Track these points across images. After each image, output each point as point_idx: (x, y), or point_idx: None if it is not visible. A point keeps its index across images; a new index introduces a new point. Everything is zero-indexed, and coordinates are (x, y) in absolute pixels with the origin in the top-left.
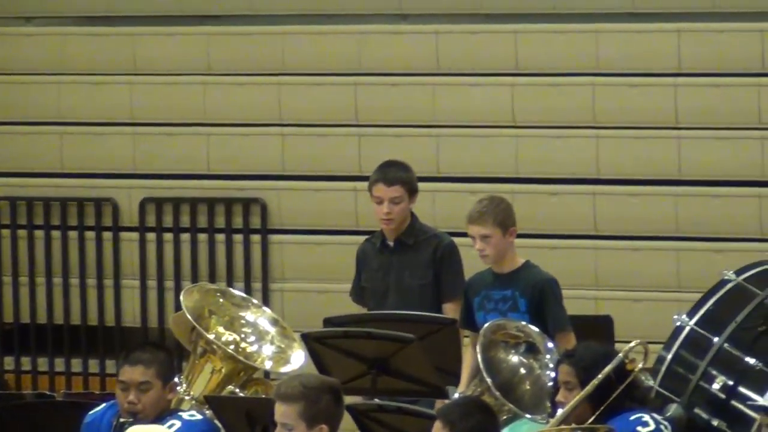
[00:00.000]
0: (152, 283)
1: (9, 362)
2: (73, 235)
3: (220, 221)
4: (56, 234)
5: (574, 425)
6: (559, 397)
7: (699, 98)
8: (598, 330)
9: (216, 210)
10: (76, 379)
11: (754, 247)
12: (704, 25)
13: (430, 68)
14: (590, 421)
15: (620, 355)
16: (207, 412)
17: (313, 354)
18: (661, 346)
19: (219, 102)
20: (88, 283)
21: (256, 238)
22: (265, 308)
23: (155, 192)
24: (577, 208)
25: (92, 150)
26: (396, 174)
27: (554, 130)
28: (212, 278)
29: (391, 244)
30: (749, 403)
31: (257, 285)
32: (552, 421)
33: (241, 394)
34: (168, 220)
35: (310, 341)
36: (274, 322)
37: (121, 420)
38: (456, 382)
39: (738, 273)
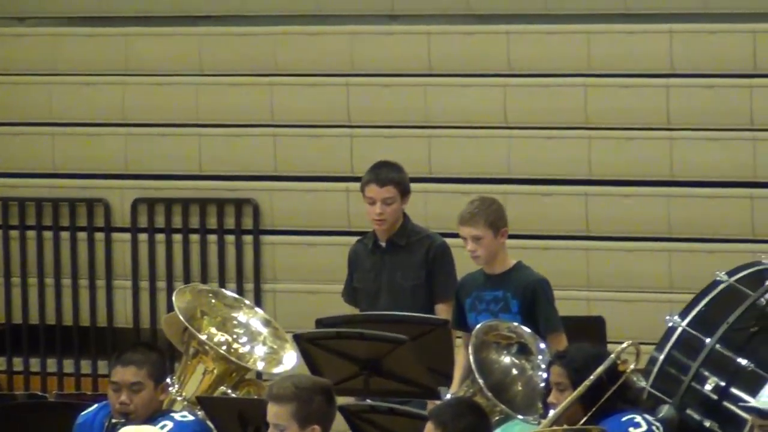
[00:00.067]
0: (144, 284)
1: (1, 363)
2: (65, 235)
3: (212, 222)
4: (48, 234)
5: (566, 426)
6: (551, 399)
7: (691, 99)
8: (590, 331)
9: (208, 210)
10: (68, 380)
11: (746, 248)
12: (696, 26)
13: (422, 69)
14: (582, 422)
15: (612, 356)
16: (199, 412)
17: (305, 355)
18: (653, 346)
19: (211, 102)
20: (80, 283)
21: (248, 238)
22: (257, 309)
23: (147, 192)
24: (570, 208)
25: (84, 150)
26: (388, 175)
27: (546, 130)
28: (204, 279)
29: (384, 244)
30: (741, 404)
31: (249, 286)
32: (544, 422)
33: (234, 395)
34: (160, 221)
35: (302, 342)
36: (267, 323)
37: (113, 421)
38: (448, 383)
39: (730, 274)
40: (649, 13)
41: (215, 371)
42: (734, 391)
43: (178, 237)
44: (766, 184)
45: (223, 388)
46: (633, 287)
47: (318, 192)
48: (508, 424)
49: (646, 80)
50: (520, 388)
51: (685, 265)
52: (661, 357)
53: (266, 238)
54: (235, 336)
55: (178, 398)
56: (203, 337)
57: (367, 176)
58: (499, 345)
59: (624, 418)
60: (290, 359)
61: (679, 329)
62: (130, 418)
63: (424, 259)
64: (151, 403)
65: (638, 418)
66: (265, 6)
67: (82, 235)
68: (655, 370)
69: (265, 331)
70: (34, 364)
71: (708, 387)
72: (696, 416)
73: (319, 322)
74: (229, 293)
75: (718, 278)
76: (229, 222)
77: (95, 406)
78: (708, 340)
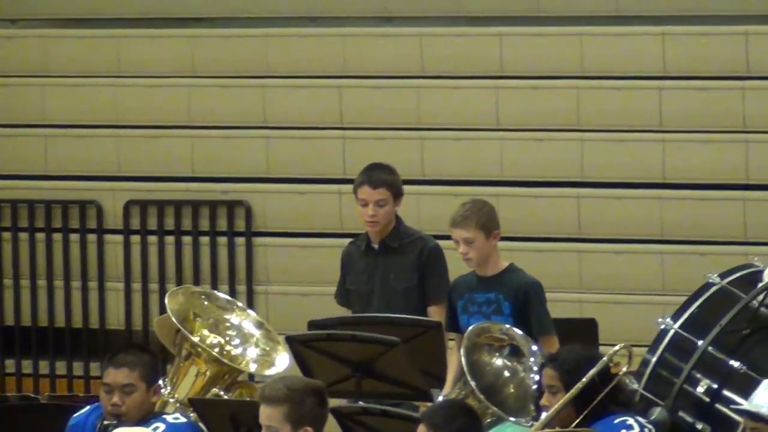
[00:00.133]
0: (137, 286)
1: None
2: (57, 237)
3: (205, 224)
4: (40, 236)
5: (558, 429)
6: (544, 401)
7: (684, 101)
8: (582, 333)
9: (200, 212)
10: (60, 382)
11: (738, 250)
12: (689, 28)
13: (415, 71)
14: (574, 424)
15: (604, 358)
16: (191, 414)
17: (298, 357)
18: (646, 349)
19: (204, 104)
20: (72, 285)
21: (240, 240)
22: (249, 311)
23: (140, 194)
24: (562, 210)
25: (77, 152)
26: (381, 177)
27: (539, 132)
28: (197, 281)
29: (376, 246)
30: (733, 406)
31: (242, 288)
32: (536, 424)
33: (226, 397)
34: (152, 223)
35: (294, 344)
36: (259, 325)
37: (105, 422)
38: (441, 385)
39: (722, 276)
40: (641, 15)
41: (208, 373)
42: (726, 393)
43: (170, 239)
44: (758, 186)
45: (215, 390)
46: (625, 289)
47: (310, 194)
48: (500, 427)
49: (638, 82)
50: (512, 390)
51: (677, 268)
52: (654, 359)
53: (259, 240)
54: (227, 338)
55: (171, 400)
56: (196, 339)
57: (360, 178)
58: (491, 347)
59: (616, 421)
60: (283, 361)
61: (672, 331)
62: (122, 420)
63: (417, 261)
64: (143, 404)
65: (630, 421)
66: (257, 8)
67: (74, 237)
68: (648, 372)
69: (257, 333)
70: (26, 365)
71: (700, 389)
72: (688, 418)
73: (312, 324)
74: (221, 295)
75: (710, 280)
76: (222, 224)
77: (87, 407)
78: (700, 342)
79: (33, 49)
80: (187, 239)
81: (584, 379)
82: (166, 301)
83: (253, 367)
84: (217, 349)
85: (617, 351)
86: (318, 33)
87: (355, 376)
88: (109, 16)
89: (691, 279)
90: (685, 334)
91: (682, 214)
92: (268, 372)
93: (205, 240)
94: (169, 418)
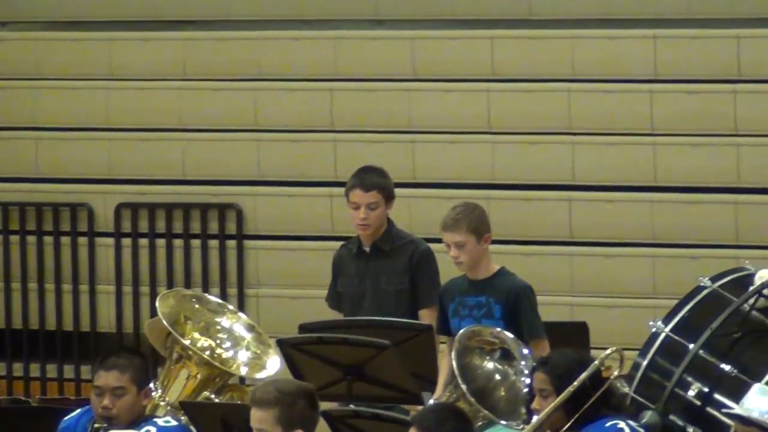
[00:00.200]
0: (127, 289)
1: None
2: (48, 240)
3: (196, 227)
4: (31, 239)
5: None
6: (535, 405)
7: (675, 104)
8: (573, 336)
9: (191, 215)
10: (51, 385)
11: (729, 253)
12: (680, 32)
13: (406, 74)
14: (565, 428)
15: (596, 362)
16: (182, 418)
17: (289, 360)
18: (637, 352)
19: (195, 107)
20: (63, 288)
21: (231, 243)
22: (240, 314)
23: (131, 197)
24: (553, 214)
25: (68, 155)
26: (373, 180)
27: (530, 136)
28: (188, 284)
29: (368, 249)
30: (724, 410)
31: (233, 291)
32: (527, 428)
33: (217, 400)
34: (143, 226)
35: (285, 347)
36: (250, 328)
37: (96, 425)
38: (432, 389)
39: (714, 279)
40: (632, 19)
41: (198, 376)
42: (717, 397)
43: (161, 242)
44: (749, 189)
45: (206, 393)
46: (616, 293)
47: (301, 197)
48: (491, 430)
49: (629, 85)
50: (503, 393)
51: (668, 271)
52: (645, 363)
53: (250, 243)
54: (218, 341)
55: (162, 403)
56: (186, 342)
57: (352, 181)
58: (482, 350)
59: (607, 424)
60: (273, 364)
61: (663, 335)
62: (112, 423)
63: (408, 264)
64: (134, 407)
65: (622, 424)
66: (249, 11)
67: (65, 240)
68: (639, 375)
69: (248, 336)
70: (17, 368)
71: (691, 393)
72: (679, 422)
73: (303, 327)
74: (212, 298)
75: (701, 284)
76: (213, 227)
77: (78, 410)
78: (691, 345)
79: (24, 52)
80: (178, 242)
81: (575, 383)
82: (157, 304)
83: (244, 370)
84: (207, 352)
85: (609, 355)
86: (309, 36)
87: (346, 379)
88: (101, 18)
89: (682, 282)
90: (676, 337)
91: (673, 217)
92: (259, 375)
93: (196, 243)
94: (160, 422)
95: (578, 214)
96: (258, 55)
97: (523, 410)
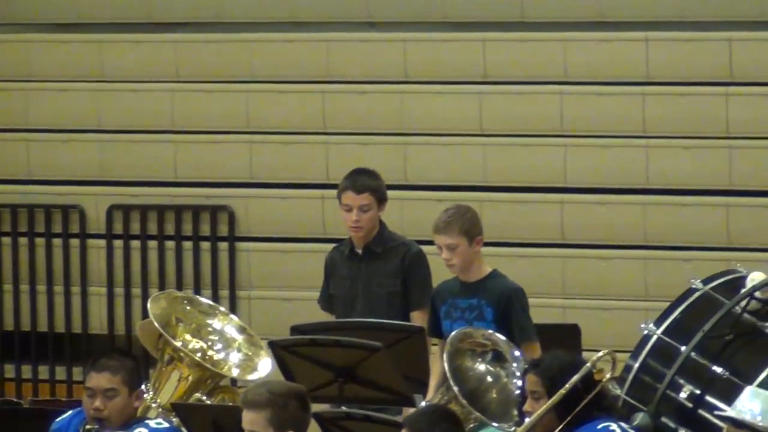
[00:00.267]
0: (119, 291)
1: None
2: (40, 242)
3: (188, 228)
4: (23, 240)
5: None
6: (526, 407)
7: (667, 107)
8: (565, 338)
9: (183, 217)
10: (43, 386)
11: (721, 256)
12: (672, 34)
13: (398, 76)
14: (557, 430)
15: (588, 364)
16: (174, 419)
17: (280, 362)
18: (629, 354)
19: (187, 109)
20: (55, 290)
21: (223, 245)
22: (232, 316)
23: (122, 199)
24: (545, 216)
25: (59, 157)
26: (365, 182)
27: (522, 138)
28: (179, 285)
29: (360, 251)
30: (716, 412)
31: (225, 292)
32: (519, 430)
33: (208, 402)
34: (135, 228)
35: (277, 349)
36: (241, 330)
37: (88, 427)
38: (423, 391)
39: (705, 282)
40: (624, 21)
41: (190, 378)
42: (709, 399)
43: (153, 243)
44: (741, 192)
45: (197, 395)
46: (608, 295)
47: (293, 199)
48: None
49: (621, 88)
50: (494, 395)
51: (660, 273)
52: (636, 365)
53: (241, 245)
54: (210, 343)
55: (153, 405)
56: (178, 344)
57: (344, 183)
58: (474, 352)
59: (599, 426)
60: (265, 366)
61: (654, 337)
62: (104, 425)
63: (400, 266)
64: (126, 409)
65: (614, 426)
66: (240, 13)
67: (57, 242)
68: (630, 377)
69: (240, 337)
70: (9, 370)
71: (683, 395)
72: (671, 424)
73: (295, 329)
74: (204, 300)
75: (693, 286)
76: (205, 229)
77: (70, 412)
78: (683, 347)
79: (16, 54)
80: (170, 244)
81: (567, 386)
82: (149, 305)
83: (235, 372)
84: (199, 354)
85: (601, 357)
86: (301, 38)
87: (337, 381)
88: (92, 20)
89: (674, 285)
90: (668, 339)
91: (665, 219)
92: (251, 377)
93: (188, 245)
94: (152, 423)
95: (570, 217)
96: (250, 57)
97: (515, 412)
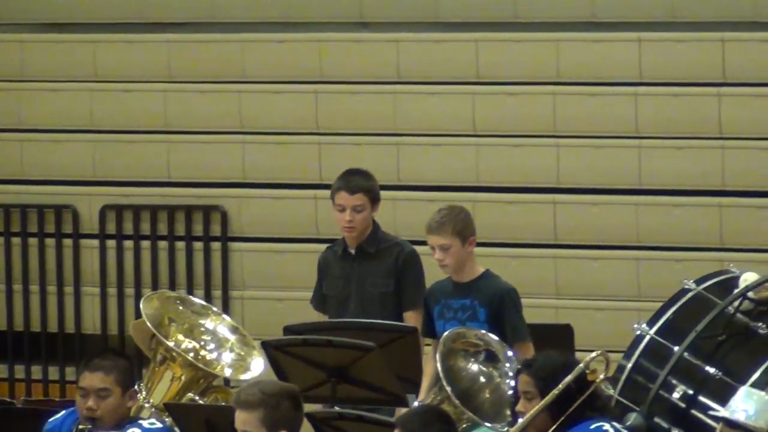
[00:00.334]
0: (112, 291)
1: None
2: (33, 241)
3: (181, 228)
4: (16, 240)
5: None
6: (519, 407)
7: (659, 107)
8: (558, 339)
9: (176, 217)
10: (36, 386)
11: (714, 256)
12: (665, 35)
13: (391, 76)
14: (550, 430)
15: (581, 365)
16: (167, 419)
17: (273, 362)
18: (622, 355)
19: (180, 109)
20: (48, 290)
21: (216, 245)
22: (224, 316)
23: (115, 199)
24: (538, 217)
25: (52, 157)
26: (359, 182)
27: (515, 138)
28: (172, 285)
29: (353, 252)
30: (710, 412)
31: (217, 293)
32: (511, 430)
33: (201, 402)
34: (128, 227)
35: (269, 349)
36: (234, 330)
37: (81, 427)
38: (416, 391)
39: (698, 282)
40: (617, 22)
41: (183, 378)
42: (702, 399)
43: (146, 243)
44: (734, 192)
45: (190, 395)
46: (601, 295)
47: (286, 199)
48: None
49: (614, 88)
50: (487, 395)
51: (653, 274)
52: (629, 365)
53: (234, 245)
54: (202, 343)
55: (146, 405)
56: (171, 344)
57: (338, 183)
58: (467, 352)
59: (592, 426)
60: (258, 366)
61: (647, 337)
62: (97, 424)
63: (393, 266)
64: (118, 409)
65: (607, 426)
66: (233, 13)
67: (50, 242)
68: (623, 378)
69: (232, 338)
70: (2, 370)
71: (676, 395)
72: (664, 424)
73: (287, 329)
74: (196, 300)
75: (686, 286)
76: (198, 229)
77: (63, 412)
78: (676, 348)
79: (8, 54)
80: (162, 244)
81: (560, 386)
82: (142, 305)
83: (228, 372)
84: (192, 354)
85: (594, 358)
86: (294, 38)
87: (330, 381)
88: (86, 20)
89: (667, 285)
90: (661, 339)
91: (657, 220)
92: (243, 377)
93: (180, 245)
94: (145, 423)
95: (563, 217)
96: (243, 58)
97: (508, 412)
